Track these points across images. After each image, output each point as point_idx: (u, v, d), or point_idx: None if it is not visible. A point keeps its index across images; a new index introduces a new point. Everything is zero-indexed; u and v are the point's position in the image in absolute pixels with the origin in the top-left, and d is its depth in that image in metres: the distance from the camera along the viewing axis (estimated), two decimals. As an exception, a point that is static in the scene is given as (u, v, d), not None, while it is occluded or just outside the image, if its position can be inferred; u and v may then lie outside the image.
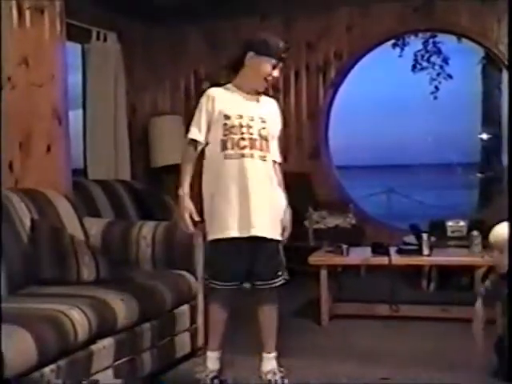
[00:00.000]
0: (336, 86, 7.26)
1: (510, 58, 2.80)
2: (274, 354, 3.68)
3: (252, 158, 3.54)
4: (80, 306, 3.21)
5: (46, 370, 2.94)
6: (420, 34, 9.81)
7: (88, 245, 3.98)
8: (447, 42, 10.24)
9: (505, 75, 8.14)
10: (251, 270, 3.56)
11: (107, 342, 3.35)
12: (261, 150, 3.56)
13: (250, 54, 3.57)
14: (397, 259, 4.96)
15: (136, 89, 7.22)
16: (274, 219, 3.62)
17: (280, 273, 3.61)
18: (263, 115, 3.63)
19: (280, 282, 3.62)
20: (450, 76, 11.65)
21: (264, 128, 3.61)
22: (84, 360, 3.19)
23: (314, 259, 5.09)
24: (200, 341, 4.22)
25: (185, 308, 4.09)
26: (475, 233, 5.13)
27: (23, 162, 4.30)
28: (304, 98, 7.13)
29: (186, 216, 3.53)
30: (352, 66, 7.28)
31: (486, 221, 5.69)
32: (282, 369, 3.66)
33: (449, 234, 5.63)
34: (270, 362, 3.67)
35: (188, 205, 3.53)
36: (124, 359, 3.48)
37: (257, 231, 3.52)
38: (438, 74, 11.62)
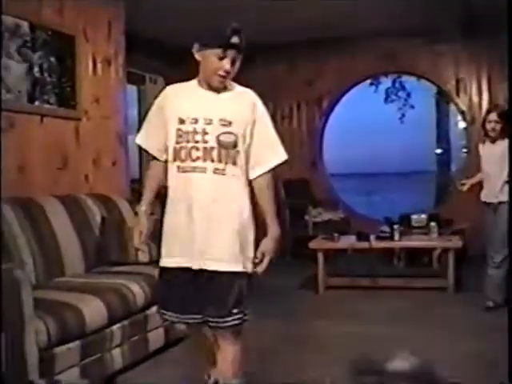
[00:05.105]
0: (328, 113, 7.23)
1: (510, 61, 2.69)
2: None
3: (204, 172, 2.13)
4: (138, 280, 3.22)
5: (114, 327, 2.95)
6: (389, 76, 9.80)
7: (144, 235, 3.97)
8: (410, 81, 10.25)
9: (451, 107, 8.13)
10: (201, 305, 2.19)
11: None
12: (219, 161, 2.13)
13: (196, 45, 2.15)
14: (375, 244, 4.94)
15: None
16: (231, 246, 2.14)
17: (235, 310, 2.14)
18: (227, 116, 2.14)
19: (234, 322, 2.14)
20: (412, 106, 11.71)
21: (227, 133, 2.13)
22: (141, 321, 3.19)
23: (313, 245, 5.07)
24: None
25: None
26: (432, 224, 5.15)
27: (95, 174, 4.31)
28: (304, 123, 7.09)
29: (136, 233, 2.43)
30: (340, 99, 7.26)
31: (440, 214, 5.74)
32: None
33: (413, 224, 5.59)
34: None
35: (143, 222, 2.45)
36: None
37: (202, 261, 2.15)
38: (404, 105, 11.68)
